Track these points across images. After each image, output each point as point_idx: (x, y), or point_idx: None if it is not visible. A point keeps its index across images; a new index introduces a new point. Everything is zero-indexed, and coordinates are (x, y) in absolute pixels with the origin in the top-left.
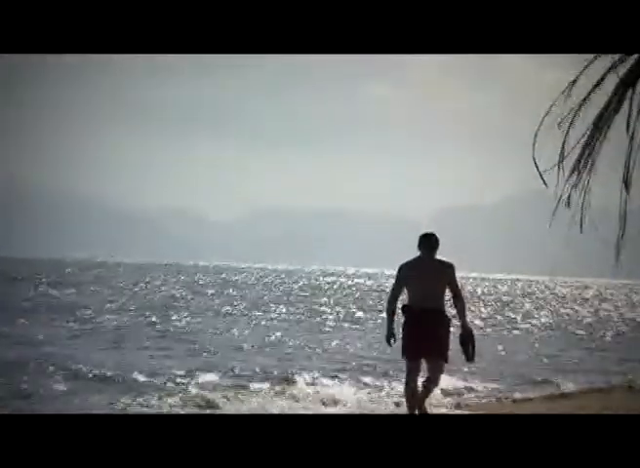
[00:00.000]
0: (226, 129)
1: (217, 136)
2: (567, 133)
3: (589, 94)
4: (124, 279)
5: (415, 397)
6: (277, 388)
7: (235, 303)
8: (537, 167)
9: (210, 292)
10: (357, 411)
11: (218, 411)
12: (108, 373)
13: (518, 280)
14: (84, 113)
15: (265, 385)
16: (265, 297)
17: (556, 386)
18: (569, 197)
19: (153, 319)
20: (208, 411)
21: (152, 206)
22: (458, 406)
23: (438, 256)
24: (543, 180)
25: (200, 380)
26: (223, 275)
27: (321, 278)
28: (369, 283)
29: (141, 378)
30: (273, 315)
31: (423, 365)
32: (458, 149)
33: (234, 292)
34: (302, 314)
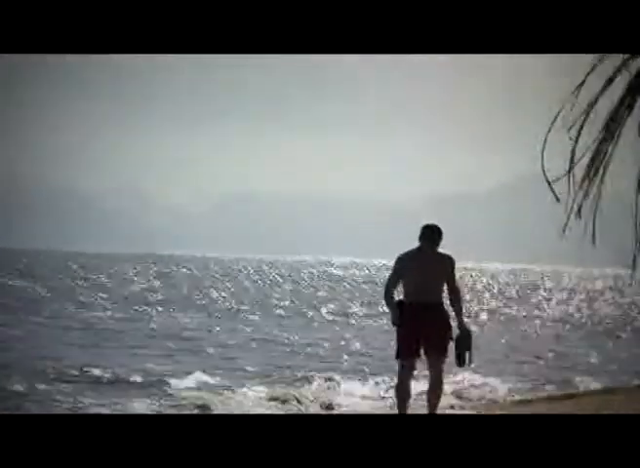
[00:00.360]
0: (203, 112)
1: (192, 119)
2: (577, 138)
3: (598, 96)
4: (99, 271)
5: (407, 398)
6: (273, 390)
7: (218, 297)
8: (546, 178)
9: (189, 284)
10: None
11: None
12: (78, 372)
13: (523, 270)
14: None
15: (260, 388)
16: (252, 291)
17: (562, 386)
18: (580, 207)
19: (133, 315)
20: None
21: (120, 193)
22: (451, 407)
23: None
24: (555, 195)
25: (188, 381)
26: (204, 267)
27: (313, 270)
28: (361, 274)
29: (123, 379)
30: (263, 310)
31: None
32: (451, 135)
33: (215, 285)
34: (293, 308)
